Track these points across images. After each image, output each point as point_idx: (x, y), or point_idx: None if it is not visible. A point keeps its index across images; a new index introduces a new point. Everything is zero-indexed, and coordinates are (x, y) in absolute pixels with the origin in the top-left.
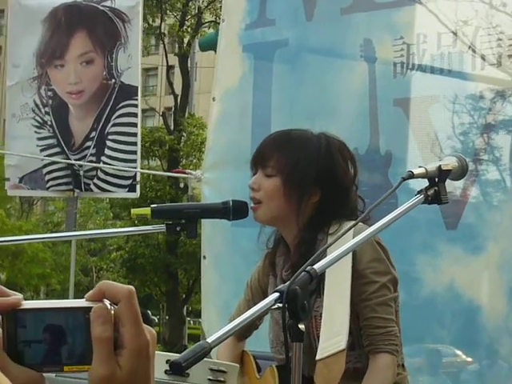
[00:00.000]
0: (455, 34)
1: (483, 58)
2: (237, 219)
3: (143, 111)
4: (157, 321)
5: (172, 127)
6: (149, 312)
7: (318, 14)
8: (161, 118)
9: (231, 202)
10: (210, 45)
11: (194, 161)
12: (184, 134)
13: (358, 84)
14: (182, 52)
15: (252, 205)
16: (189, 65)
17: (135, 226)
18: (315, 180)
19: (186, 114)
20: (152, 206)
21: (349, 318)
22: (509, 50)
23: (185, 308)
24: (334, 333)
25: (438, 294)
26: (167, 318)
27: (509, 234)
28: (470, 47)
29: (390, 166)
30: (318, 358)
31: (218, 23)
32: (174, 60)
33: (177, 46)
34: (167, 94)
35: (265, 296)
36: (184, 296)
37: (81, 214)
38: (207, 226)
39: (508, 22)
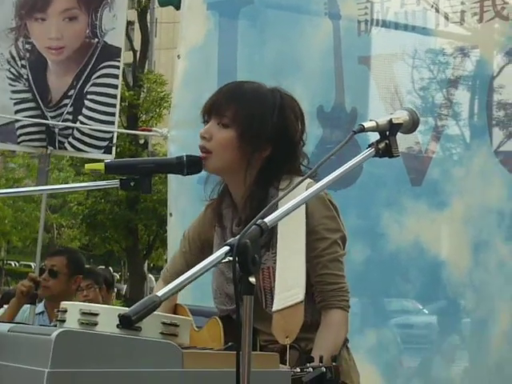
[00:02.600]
0: None
1: (446, 16)
2: (191, 174)
3: None
4: (118, 277)
5: (131, 83)
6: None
7: None
8: None
9: (185, 157)
10: (169, 0)
11: (154, 116)
12: (144, 89)
13: (323, 41)
14: (142, 7)
15: (201, 154)
16: (148, 20)
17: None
18: (268, 134)
19: (146, 70)
20: (106, 161)
21: (305, 271)
22: (472, 8)
23: (146, 264)
24: (290, 285)
25: (402, 249)
26: (128, 274)
27: (473, 189)
28: (432, 6)
29: (356, 122)
30: (274, 309)
31: None
32: (133, 15)
33: (136, 0)
34: (127, 49)
35: (204, 248)
36: (145, 252)
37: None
38: (173, 184)
39: None
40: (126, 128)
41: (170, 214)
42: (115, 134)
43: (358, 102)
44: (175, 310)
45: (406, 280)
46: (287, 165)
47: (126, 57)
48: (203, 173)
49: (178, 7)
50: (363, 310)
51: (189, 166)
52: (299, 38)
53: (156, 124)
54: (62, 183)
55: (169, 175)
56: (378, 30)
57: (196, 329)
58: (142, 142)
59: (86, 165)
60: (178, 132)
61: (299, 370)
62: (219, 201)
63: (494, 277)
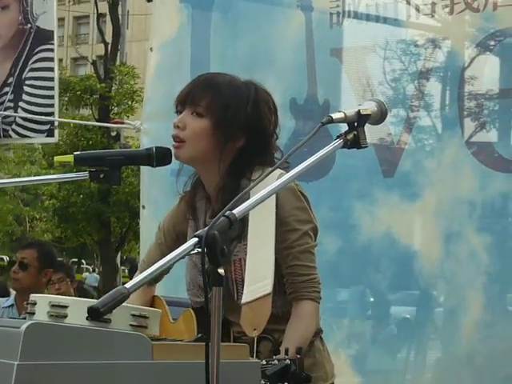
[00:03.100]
0: None
1: (417, 8)
2: (161, 165)
3: (75, 60)
4: (91, 270)
5: (103, 76)
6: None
7: None
8: (92, 66)
9: (155, 149)
10: None
11: (126, 109)
12: (115, 82)
13: (296, 34)
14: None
15: (174, 144)
16: (120, 12)
17: None
18: (242, 125)
19: (118, 62)
20: (75, 153)
21: (274, 262)
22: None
23: (118, 256)
24: (259, 277)
25: (375, 240)
26: (101, 267)
27: (444, 180)
28: None
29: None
30: (243, 301)
31: None
32: (105, 8)
33: None
34: (99, 42)
35: (178, 240)
36: (117, 245)
37: (15, 163)
38: (145, 176)
39: None
40: (97, 120)
41: (143, 207)
42: (56, 116)
43: (330, 94)
44: (153, 302)
45: (378, 271)
46: (260, 156)
47: (98, 49)
48: (176, 165)
49: None
50: (335, 301)
51: (158, 157)
52: (271, 30)
53: (128, 117)
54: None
55: (141, 168)
56: (350, 21)
57: (172, 321)
58: (113, 134)
59: (55, 157)
60: (150, 125)
61: (265, 363)
62: (192, 193)
63: (466, 267)
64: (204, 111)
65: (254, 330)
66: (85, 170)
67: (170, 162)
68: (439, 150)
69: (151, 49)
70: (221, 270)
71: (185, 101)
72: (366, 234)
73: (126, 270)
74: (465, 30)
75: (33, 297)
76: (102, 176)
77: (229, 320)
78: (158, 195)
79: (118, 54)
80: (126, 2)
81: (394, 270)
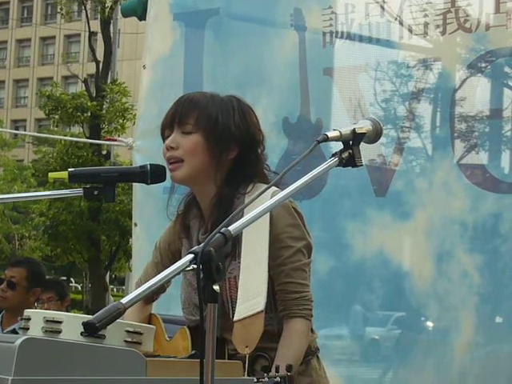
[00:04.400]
0: (382, 5)
1: (410, 28)
2: (155, 183)
3: (66, 78)
4: (80, 288)
5: (94, 94)
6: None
7: None
8: (83, 84)
9: (149, 166)
10: (133, 10)
11: (117, 127)
12: (106, 100)
13: (289, 53)
14: (105, 18)
15: (170, 165)
16: (111, 31)
17: None
18: (233, 135)
19: (109, 81)
20: (69, 169)
21: (267, 280)
22: (435, 20)
23: (108, 275)
24: (252, 294)
25: (367, 259)
26: (90, 285)
27: (436, 200)
28: (396, 18)
29: (321, 134)
30: (235, 319)
31: None
32: (96, 26)
33: (99, 11)
34: (90, 60)
35: (174, 258)
36: (107, 263)
37: (5, 181)
38: (138, 194)
39: None
40: (88, 138)
41: (135, 224)
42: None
43: (323, 114)
44: (149, 320)
45: (370, 290)
46: (253, 166)
47: (90, 68)
48: (169, 183)
49: (141, 18)
50: (328, 320)
51: (153, 175)
52: (265, 49)
53: (119, 135)
54: None
55: (134, 185)
56: (343, 41)
57: (167, 339)
58: (104, 152)
59: (49, 174)
60: (143, 142)
61: (256, 380)
62: (186, 212)
63: (457, 287)
64: (193, 128)
65: (246, 347)
66: (77, 187)
67: (164, 180)
68: (431, 170)
69: (144, 66)
70: (216, 287)
71: (172, 123)
72: (358, 253)
73: (115, 289)
74: (456, 51)
75: (27, 312)
76: (96, 193)
77: (224, 338)
78: (150, 213)
79: (110, 72)
80: (118, 21)
81: (386, 290)
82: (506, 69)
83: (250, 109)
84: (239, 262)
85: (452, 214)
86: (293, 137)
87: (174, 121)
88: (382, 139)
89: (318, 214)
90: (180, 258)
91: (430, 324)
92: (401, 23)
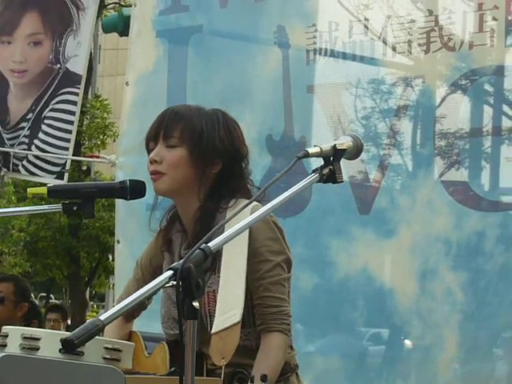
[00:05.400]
0: (366, 24)
1: (393, 47)
2: (134, 198)
3: None
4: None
5: None
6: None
7: (233, 1)
8: None
9: (128, 182)
10: (114, 26)
11: (97, 143)
12: (87, 116)
13: (272, 70)
14: None
15: (153, 176)
16: (92, 47)
17: None
18: (217, 149)
19: (89, 96)
20: (48, 185)
21: (244, 293)
22: (419, 38)
23: (88, 291)
24: (229, 307)
25: (351, 277)
26: (70, 301)
27: (420, 218)
28: (379, 37)
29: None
30: (213, 331)
31: (122, 5)
32: None
33: None
34: None
35: (155, 274)
36: (87, 279)
37: None
38: (121, 210)
39: (418, 12)
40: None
41: (118, 241)
42: (69, 161)
43: (306, 131)
44: (129, 337)
45: (354, 308)
46: (237, 181)
47: None
48: (151, 199)
49: (122, 34)
50: (311, 337)
51: (132, 190)
52: (248, 66)
53: (99, 151)
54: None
55: (116, 202)
56: (327, 59)
57: (147, 355)
58: (84, 168)
59: (28, 189)
60: (126, 159)
61: None
62: (168, 227)
63: (441, 305)
64: (178, 142)
65: (223, 358)
66: (57, 203)
67: (143, 195)
68: (414, 187)
69: (127, 83)
70: (196, 304)
71: (156, 136)
72: (342, 271)
73: (95, 305)
74: (439, 69)
75: (5, 329)
76: (75, 208)
77: (202, 352)
78: (133, 230)
79: (90, 88)
80: (98, 37)
81: (369, 307)
82: (487, 87)
83: (235, 122)
84: (218, 277)
85: (436, 231)
86: (276, 154)
87: (158, 134)
88: (364, 155)
89: (301, 231)
90: (162, 273)
91: (413, 341)
92: (384, 41)
